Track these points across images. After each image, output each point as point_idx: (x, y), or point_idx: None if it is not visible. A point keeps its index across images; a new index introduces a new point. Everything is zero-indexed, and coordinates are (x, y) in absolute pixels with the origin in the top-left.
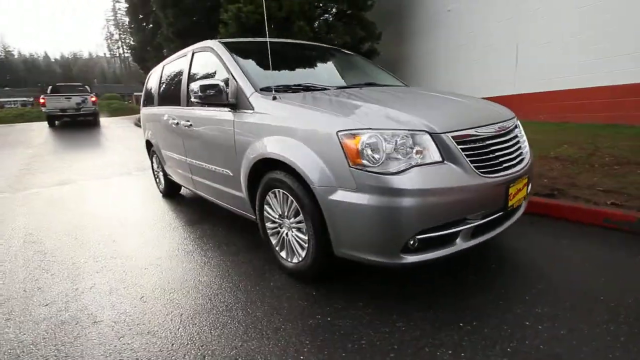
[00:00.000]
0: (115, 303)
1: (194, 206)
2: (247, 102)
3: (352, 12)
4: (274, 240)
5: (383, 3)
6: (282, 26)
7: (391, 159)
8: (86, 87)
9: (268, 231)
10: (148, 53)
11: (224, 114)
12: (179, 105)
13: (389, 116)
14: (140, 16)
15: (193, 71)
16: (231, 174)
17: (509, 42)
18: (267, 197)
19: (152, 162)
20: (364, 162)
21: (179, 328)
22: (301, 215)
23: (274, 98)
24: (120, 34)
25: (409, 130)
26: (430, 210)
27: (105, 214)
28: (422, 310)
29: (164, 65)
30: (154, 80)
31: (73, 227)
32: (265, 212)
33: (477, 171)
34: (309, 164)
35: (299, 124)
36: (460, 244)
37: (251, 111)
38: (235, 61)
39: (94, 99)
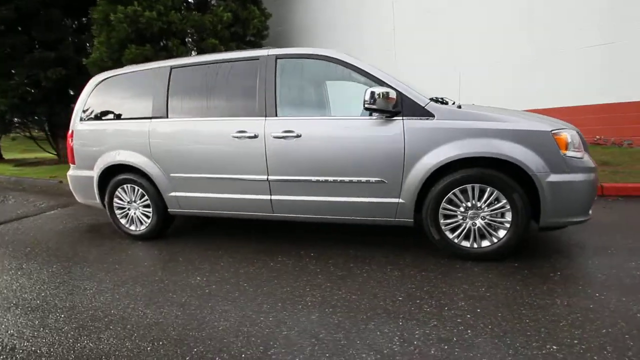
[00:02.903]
0: None
1: (225, 238)
2: (421, 110)
3: (256, 39)
4: (450, 235)
5: (277, 37)
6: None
7: (581, 149)
8: None
9: (442, 227)
10: None
11: (379, 121)
12: (255, 115)
13: (558, 121)
14: None
15: (283, 79)
16: (385, 181)
17: None
18: (450, 195)
19: (108, 198)
20: (568, 152)
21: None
22: (503, 201)
23: (459, 107)
24: None
25: (576, 129)
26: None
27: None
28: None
29: (171, 68)
30: (150, 87)
31: None
32: (441, 210)
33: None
34: (527, 157)
35: (506, 126)
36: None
37: (432, 119)
38: (388, 74)
39: None
